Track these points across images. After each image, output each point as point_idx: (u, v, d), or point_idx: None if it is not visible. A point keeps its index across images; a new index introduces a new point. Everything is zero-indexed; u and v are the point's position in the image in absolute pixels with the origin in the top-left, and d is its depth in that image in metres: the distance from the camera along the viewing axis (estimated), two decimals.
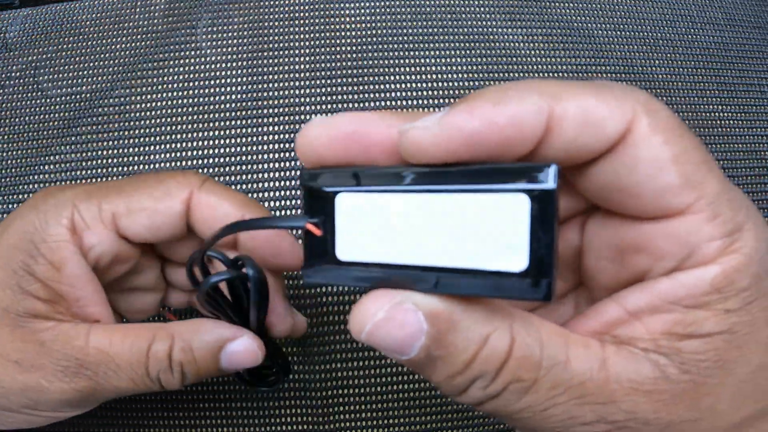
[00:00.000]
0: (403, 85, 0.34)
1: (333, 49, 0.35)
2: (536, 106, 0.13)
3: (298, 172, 0.32)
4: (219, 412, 0.31)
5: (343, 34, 0.35)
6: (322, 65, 0.34)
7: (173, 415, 0.31)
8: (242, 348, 0.21)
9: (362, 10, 0.36)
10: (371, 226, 0.14)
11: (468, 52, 0.35)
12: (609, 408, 0.14)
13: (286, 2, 0.36)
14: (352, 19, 0.36)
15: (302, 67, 0.34)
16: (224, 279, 0.20)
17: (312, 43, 0.35)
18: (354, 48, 0.35)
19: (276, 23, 0.35)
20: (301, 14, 0.36)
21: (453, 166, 0.13)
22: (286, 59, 0.34)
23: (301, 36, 0.35)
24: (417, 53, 0.35)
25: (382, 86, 0.34)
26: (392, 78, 0.34)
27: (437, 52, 0.35)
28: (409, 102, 0.34)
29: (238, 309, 0.22)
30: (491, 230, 0.13)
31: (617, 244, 0.15)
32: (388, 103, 0.34)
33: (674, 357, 0.14)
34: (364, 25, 0.35)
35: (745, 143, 0.36)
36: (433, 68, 0.35)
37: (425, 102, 0.34)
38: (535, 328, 0.14)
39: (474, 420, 0.32)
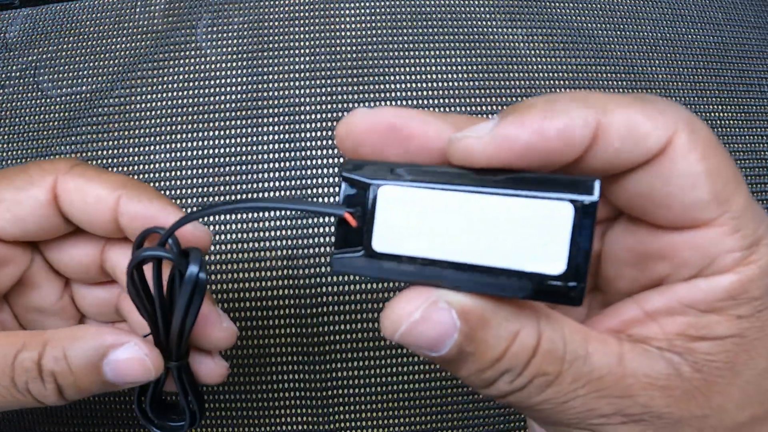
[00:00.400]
0: (403, 85, 0.34)
1: (333, 49, 0.35)
2: (584, 120, 0.14)
3: (297, 172, 0.32)
4: (219, 413, 0.31)
5: (343, 34, 0.35)
6: (322, 65, 0.34)
7: None
8: (127, 356, 0.19)
9: (362, 10, 0.36)
10: (411, 221, 0.14)
11: (468, 52, 0.35)
12: (626, 401, 0.14)
13: (286, 2, 0.36)
14: (352, 19, 0.36)
15: (302, 67, 0.34)
16: (156, 256, 0.18)
17: (312, 43, 0.35)
18: (354, 48, 0.35)
19: (276, 23, 0.35)
20: (301, 14, 0.36)
21: (499, 172, 0.14)
22: (286, 59, 0.34)
23: (301, 36, 0.35)
24: (417, 53, 0.35)
25: (382, 86, 0.34)
26: (392, 78, 0.34)
27: (437, 52, 0.35)
28: (409, 102, 0.34)
29: (163, 308, 0.19)
30: (532, 234, 0.13)
31: (640, 250, 0.16)
32: (388, 103, 0.34)
33: (687, 356, 0.14)
34: (364, 25, 0.35)
35: (745, 143, 0.36)
36: (433, 68, 0.35)
37: (425, 102, 0.34)
38: (559, 324, 0.14)
39: (474, 420, 0.32)
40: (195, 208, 0.32)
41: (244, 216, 0.32)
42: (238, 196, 0.32)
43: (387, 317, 0.14)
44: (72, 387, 0.19)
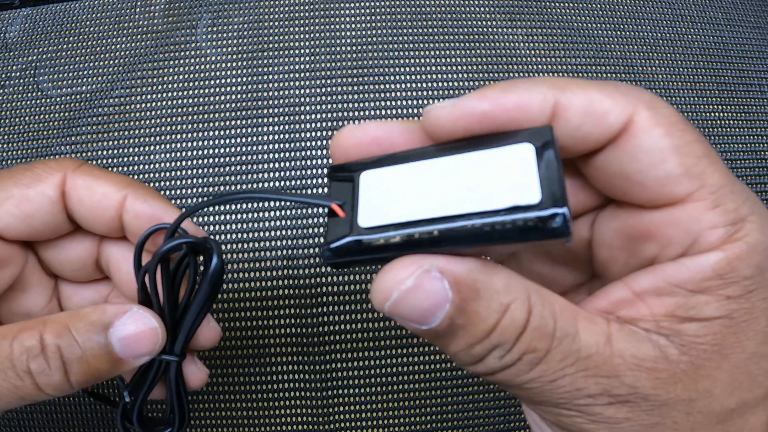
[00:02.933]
0: (403, 85, 0.34)
1: (333, 49, 0.35)
2: (542, 95, 0.15)
3: (297, 172, 0.32)
4: (219, 413, 0.31)
5: (343, 34, 0.35)
6: (322, 65, 0.34)
7: None
8: (135, 325, 0.18)
9: (362, 10, 0.36)
10: (392, 194, 0.15)
11: (468, 52, 0.35)
12: (613, 382, 0.14)
13: (286, 2, 0.36)
14: (352, 19, 0.36)
15: (302, 67, 0.34)
16: (188, 242, 0.18)
17: (312, 43, 0.35)
18: (354, 48, 0.35)
19: (276, 23, 0.35)
20: (301, 14, 0.36)
21: (465, 140, 0.15)
22: (286, 59, 0.34)
23: (301, 36, 0.35)
24: (417, 53, 0.35)
25: (382, 86, 0.34)
26: (392, 78, 0.34)
27: (437, 52, 0.35)
28: (409, 102, 0.34)
29: (175, 302, 0.19)
30: (503, 177, 0.14)
31: (627, 233, 0.16)
32: (388, 103, 0.34)
33: (674, 338, 0.14)
34: (364, 25, 0.35)
35: (745, 143, 0.36)
36: (433, 68, 0.35)
37: (425, 102, 0.34)
38: (549, 300, 0.14)
39: (474, 420, 0.32)
40: None
41: (245, 216, 0.32)
42: None
43: (377, 286, 0.14)
44: (79, 364, 0.17)
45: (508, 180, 0.14)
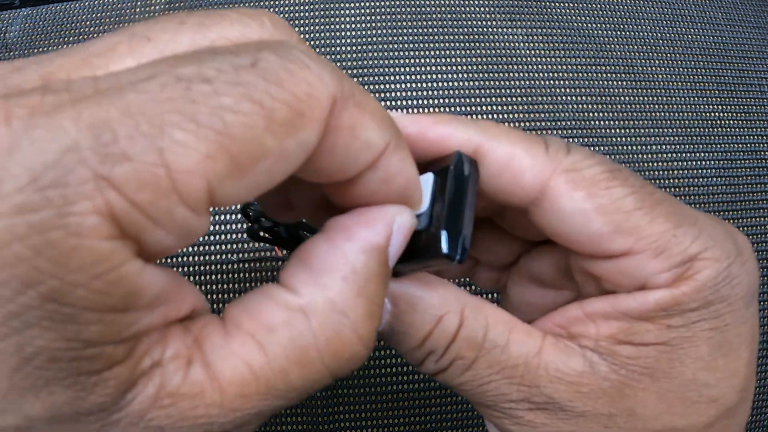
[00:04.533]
0: (403, 85, 0.34)
1: (333, 49, 0.35)
2: (467, 136, 0.15)
3: None
4: None
5: (343, 34, 0.35)
6: None
7: None
8: (401, 232, 0.14)
9: (362, 10, 0.36)
10: None
11: (468, 52, 0.35)
12: (533, 390, 0.15)
13: (286, 2, 0.36)
14: (352, 19, 0.36)
15: None
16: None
17: (312, 43, 0.35)
18: (354, 48, 0.35)
19: None
20: (301, 14, 0.36)
21: None
22: None
23: (301, 36, 0.35)
24: (417, 53, 0.35)
25: (382, 86, 0.34)
26: (392, 78, 0.34)
27: (437, 52, 0.35)
28: (409, 102, 0.34)
29: None
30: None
31: (584, 271, 0.17)
32: (388, 103, 0.34)
33: (608, 357, 0.15)
34: (364, 25, 0.35)
35: (745, 143, 0.36)
36: (433, 68, 0.35)
37: (425, 102, 0.34)
38: (483, 314, 0.16)
39: (473, 420, 0.32)
40: None
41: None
42: None
43: None
44: (379, 319, 0.14)
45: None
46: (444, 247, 0.14)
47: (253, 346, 0.12)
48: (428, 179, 0.15)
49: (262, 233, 0.23)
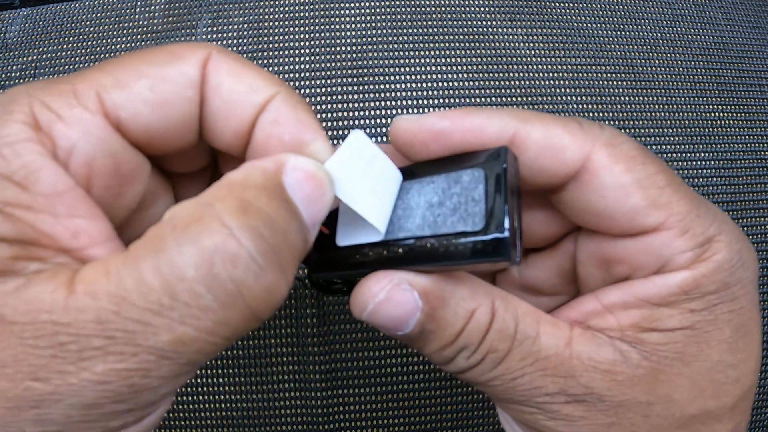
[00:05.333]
0: (403, 85, 0.34)
1: (333, 49, 0.35)
2: (502, 123, 0.15)
3: None
4: (219, 413, 0.31)
5: (343, 34, 0.35)
6: (322, 65, 0.34)
7: (173, 416, 0.31)
8: (298, 168, 0.14)
9: (362, 10, 0.36)
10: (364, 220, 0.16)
11: (468, 52, 0.35)
12: (569, 381, 0.15)
13: (286, 2, 0.36)
14: (352, 19, 0.36)
15: (302, 67, 0.34)
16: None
17: (312, 43, 0.35)
18: (354, 48, 0.35)
19: (276, 23, 0.35)
20: (301, 14, 0.36)
21: (432, 162, 0.16)
22: (286, 59, 0.34)
23: (301, 36, 0.35)
24: (417, 53, 0.35)
25: (382, 86, 0.34)
26: (392, 78, 0.34)
27: (437, 52, 0.35)
28: (409, 102, 0.34)
29: None
30: (458, 202, 0.15)
31: (601, 256, 0.17)
32: (388, 103, 0.34)
33: (637, 345, 0.15)
34: (364, 25, 0.35)
35: (745, 143, 0.36)
36: (433, 68, 0.35)
37: (425, 102, 0.34)
38: (512, 305, 0.16)
39: (473, 420, 0.32)
40: None
41: None
42: None
43: (355, 298, 0.15)
44: (276, 234, 0.13)
45: (460, 205, 0.15)
46: (506, 249, 0.13)
47: (120, 250, 0.13)
48: (470, 175, 0.15)
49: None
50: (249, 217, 0.12)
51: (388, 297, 0.15)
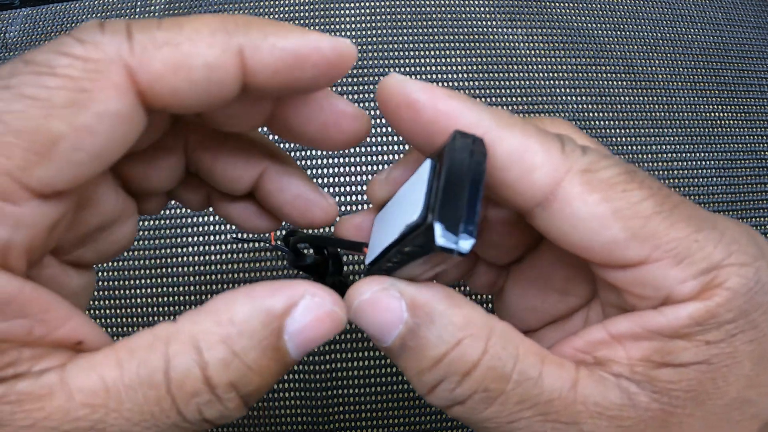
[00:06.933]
0: None
1: None
2: (477, 118, 0.14)
3: None
4: None
5: (343, 34, 0.35)
6: None
7: None
8: (311, 316, 0.13)
9: (362, 10, 0.36)
10: (377, 232, 0.17)
11: (468, 52, 0.35)
12: (571, 428, 0.14)
13: (286, 2, 0.36)
14: (352, 19, 0.36)
15: None
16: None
17: None
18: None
19: None
20: (301, 14, 0.36)
21: None
22: None
23: None
24: (417, 53, 0.35)
25: None
26: None
27: (437, 52, 0.35)
28: None
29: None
30: (410, 199, 0.14)
31: (604, 281, 0.15)
32: None
33: (646, 385, 0.14)
34: (364, 25, 0.35)
35: (745, 143, 0.36)
36: (433, 68, 0.35)
37: None
38: (513, 343, 0.14)
39: None
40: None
41: None
42: None
43: (346, 296, 0.15)
44: (257, 389, 0.13)
45: (412, 201, 0.14)
46: (438, 239, 0.12)
47: (113, 361, 0.13)
48: (425, 167, 0.14)
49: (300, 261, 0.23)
50: (230, 375, 0.13)
51: (374, 299, 0.14)
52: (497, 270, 0.20)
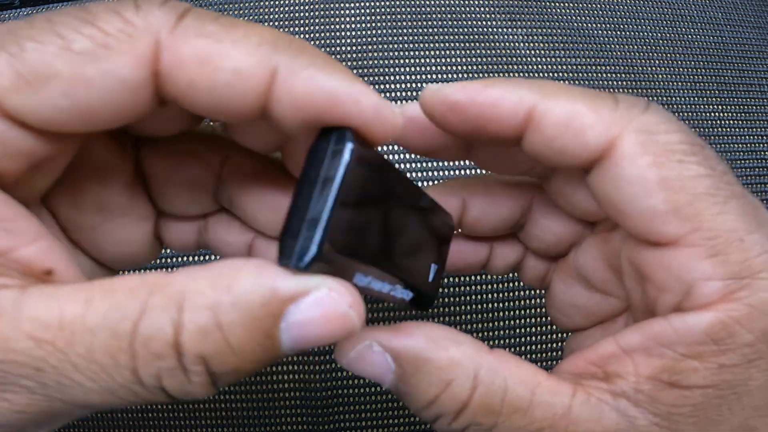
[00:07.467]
0: (403, 85, 0.34)
1: (333, 49, 0.35)
2: (519, 97, 0.14)
3: None
4: (219, 413, 0.31)
5: (343, 34, 0.35)
6: None
7: (172, 416, 0.31)
8: (319, 311, 0.12)
9: (362, 10, 0.36)
10: None
11: (468, 52, 0.35)
12: None
13: (286, 2, 0.36)
14: (352, 19, 0.36)
15: None
16: None
17: (312, 43, 0.35)
18: (354, 48, 0.35)
19: (276, 23, 0.35)
20: (301, 14, 0.36)
21: None
22: None
23: (301, 36, 0.35)
24: (417, 53, 0.35)
25: (382, 86, 0.34)
26: (392, 78, 0.34)
27: (437, 52, 0.35)
28: (409, 102, 0.34)
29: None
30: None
31: (633, 263, 0.15)
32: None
33: (647, 407, 0.13)
34: (364, 25, 0.35)
35: (745, 143, 0.36)
36: (433, 68, 0.35)
37: None
38: (502, 376, 0.14)
39: None
40: None
41: None
42: None
43: (336, 348, 0.15)
44: (233, 371, 0.12)
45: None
46: (278, 258, 0.11)
47: (81, 297, 0.11)
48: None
49: None
50: (204, 345, 0.11)
51: (360, 357, 0.14)
52: (547, 261, 0.19)
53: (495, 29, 0.36)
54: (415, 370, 0.14)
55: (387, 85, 0.34)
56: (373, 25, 0.35)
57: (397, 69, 0.34)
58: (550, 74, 0.35)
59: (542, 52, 0.36)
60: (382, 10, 0.36)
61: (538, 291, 0.31)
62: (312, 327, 0.12)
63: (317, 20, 0.35)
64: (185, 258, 0.31)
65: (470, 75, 0.35)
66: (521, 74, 0.35)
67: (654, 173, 0.13)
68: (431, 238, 0.16)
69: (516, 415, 0.14)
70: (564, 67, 0.35)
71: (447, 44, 0.35)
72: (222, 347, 0.11)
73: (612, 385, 0.14)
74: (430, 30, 0.36)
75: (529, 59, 0.35)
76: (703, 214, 0.13)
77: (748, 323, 0.12)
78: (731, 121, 0.36)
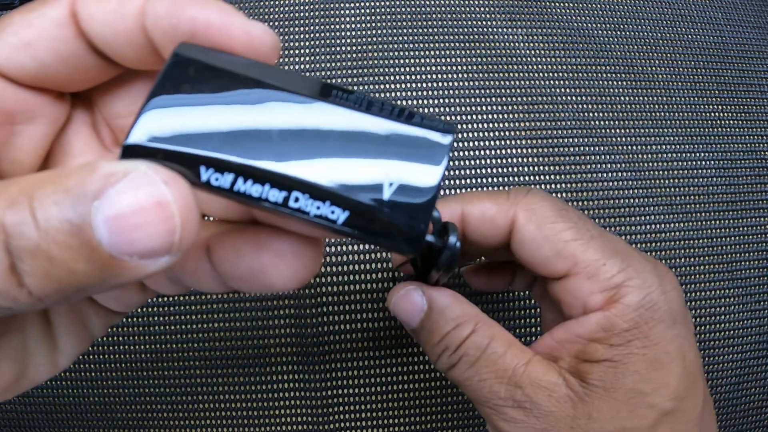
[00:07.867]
0: (403, 85, 0.34)
1: (333, 49, 0.35)
2: (451, 210, 0.21)
3: None
4: (219, 413, 0.31)
5: (343, 34, 0.35)
6: (322, 65, 0.34)
7: (172, 416, 0.31)
8: (135, 198, 0.10)
9: (362, 10, 0.36)
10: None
11: (468, 52, 0.35)
12: (517, 391, 0.19)
13: (286, 2, 0.36)
14: (352, 19, 0.36)
15: (302, 67, 0.34)
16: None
17: (312, 43, 0.35)
18: (354, 48, 0.35)
19: (276, 23, 0.35)
20: (301, 14, 0.36)
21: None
22: (286, 59, 0.34)
23: (301, 36, 0.35)
24: (417, 53, 0.35)
25: (382, 86, 0.34)
26: (392, 78, 0.34)
27: (437, 52, 0.35)
28: (410, 102, 0.34)
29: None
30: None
31: (552, 296, 0.21)
32: None
33: (575, 373, 0.20)
34: (364, 25, 0.35)
35: (745, 143, 0.36)
36: (433, 68, 0.35)
37: (425, 102, 0.34)
38: (491, 330, 0.20)
39: (473, 420, 0.32)
40: None
41: None
42: None
43: (389, 295, 0.22)
44: (34, 258, 0.10)
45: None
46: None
47: None
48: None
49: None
50: (19, 214, 0.10)
51: (406, 294, 0.21)
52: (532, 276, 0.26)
53: (495, 29, 0.36)
54: (438, 311, 0.20)
55: (387, 85, 0.34)
56: (373, 25, 0.35)
57: (397, 69, 0.34)
58: (550, 74, 0.35)
59: (542, 52, 0.36)
60: (382, 10, 0.36)
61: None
62: (122, 206, 0.10)
63: (317, 20, 0.35)
64: None
65: (470, 75, 0.35)
66: (521, 74, 0.35)
67: (539, 233, 0.20)
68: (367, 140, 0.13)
69: (494, 356, 0.20)
70: (564, 67, 0.35)
71: (447, 44, 0.35)
72: (28, 230, 0.10)
73: (558, 363, 0.20)
74: (430, 30, 0.36)
75: (529, 59, 0.35)
76: (575, 253, 0.20)
77: (623, 315, 0.19)
78: (731, 121, 0.36)
